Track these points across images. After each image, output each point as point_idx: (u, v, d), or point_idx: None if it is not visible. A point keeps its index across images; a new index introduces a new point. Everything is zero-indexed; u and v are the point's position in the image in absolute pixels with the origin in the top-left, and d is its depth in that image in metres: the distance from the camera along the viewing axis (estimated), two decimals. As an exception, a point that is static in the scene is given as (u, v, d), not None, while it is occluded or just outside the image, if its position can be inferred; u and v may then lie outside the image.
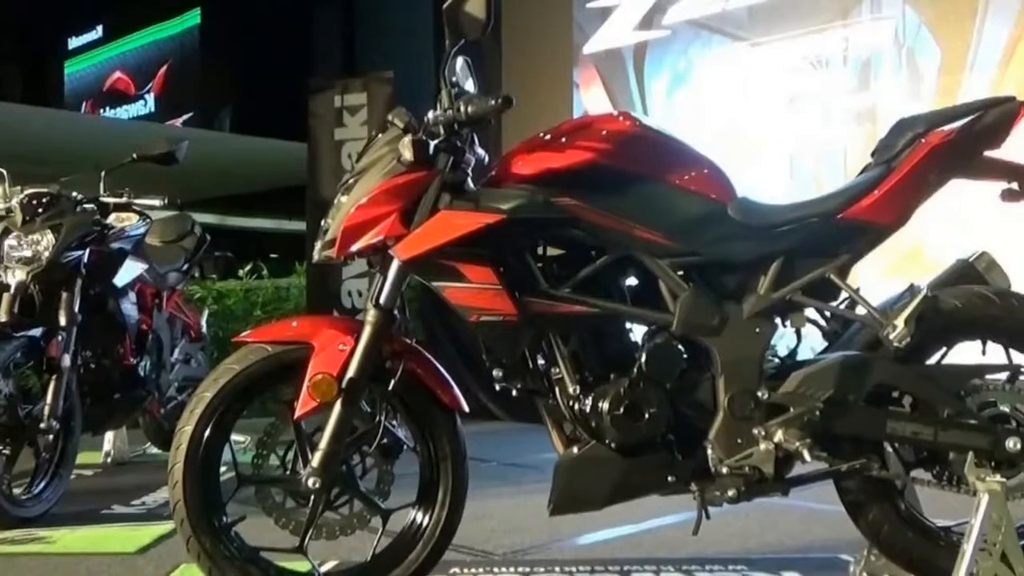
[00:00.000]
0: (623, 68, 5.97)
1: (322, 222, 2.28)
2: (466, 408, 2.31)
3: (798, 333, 2.32)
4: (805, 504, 3.06)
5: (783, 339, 2.31)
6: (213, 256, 5.41)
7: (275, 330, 2.35)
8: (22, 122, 11.84)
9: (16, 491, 3.34)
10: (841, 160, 4.97)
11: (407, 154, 2.16)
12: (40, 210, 3.54)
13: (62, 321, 3.50)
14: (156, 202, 3.89)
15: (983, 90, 4.50)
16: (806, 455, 2.17)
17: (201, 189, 13.97)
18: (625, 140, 2.23)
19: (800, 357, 2.32)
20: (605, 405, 2.17)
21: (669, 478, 2.23)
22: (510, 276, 2.17)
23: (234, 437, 2.30)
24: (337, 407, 2.18)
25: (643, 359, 2.20)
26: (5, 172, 3.69)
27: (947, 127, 2.27)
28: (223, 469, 2.27)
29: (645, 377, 2.19)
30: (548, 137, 2.24)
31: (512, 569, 2.68)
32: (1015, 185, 2.35)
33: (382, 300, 2.22)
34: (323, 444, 2.19)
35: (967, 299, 2.26)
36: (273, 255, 10.38)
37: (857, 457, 2.23)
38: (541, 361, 2.25)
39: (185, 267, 4.64)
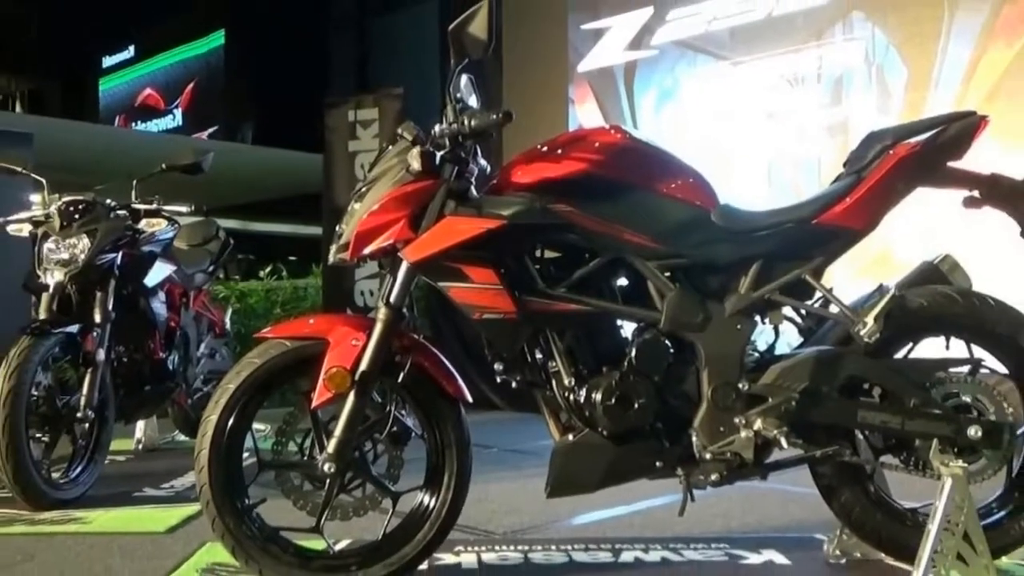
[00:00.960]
0: (615, 85, 5.96)
1: (337, 227, 2.28)
2: (470, 398, 2.30)
3: (776, 329, 2.32)
4: (783, 487, 3.06)
5: (762, 335, 2.31)
6: (236, 258, 5.42)
7: (293, 327, 2.35)
8: (61, 135, 11.83)
9: (55, 475, 3.35)
10: (816, 170, 4.97)
11: (415, 164, 2.16)
12: (77, 216, 3.54)
13: (97, 318, 3.50)
14: (184, 208, 3.89)
15: (946, 105, 4.49)
16: (783, 442, 2.18)
17: (225, 197, 13.95)
18: (616, 151, 2.23)
19: (778, 352, 2.32)
20: (598, 396, 2.18)
21: (657, 463, 2.23)
22: (510, 277, 2.17)
23: (256, 425, 2.29)
24: (351, 398, 2.18)
25: (633, 353, 2.20)
26: (44, 181, 3.69)
27: (913, 139, 2.27)
28: (245, 455, 2.27)
29: (635, 370, 2.19)
30: (545, 149, 2.24)
31: (512, 547, 2.68)
32: (976, 193, 2.35)
33: (392, 299, 2.22)
34: (338, 432, 2.19)
35: (932, 298, 2.26)
36: (292, 257, 10.35)
37: (830, 444, 2.23)
38: (539, 355, 2.25)
39: (210, 268, 4.64)
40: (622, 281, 2.29)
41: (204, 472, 2.21)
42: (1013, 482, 2.33)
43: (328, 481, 2.22)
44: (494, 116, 2.13)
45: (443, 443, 2.31)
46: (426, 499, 2.32)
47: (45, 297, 3.45)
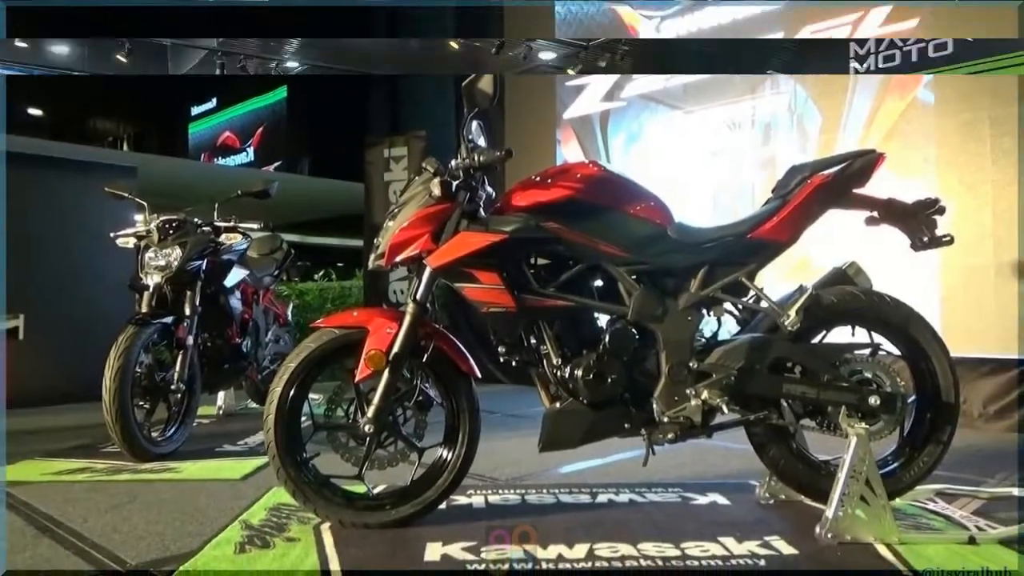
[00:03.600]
0: (592, 129, 5.96)
1: (375, 240, 2.28)
2: (479, 374, 2.30)
3: (718, 320, 2.32)
4: (724, 444, 3.04)
5: (708, 325, 2.31)
6: (296, 264, 5.40)
7: (341, 318, 2.34)
8: (158, 168, 11.82)
9: (154, 434, 3.35)
10: (750, 196, 4.96)
11: (436, 191, 2.16)
12: (171, 231, 3.55)
13: (187, 312, 3.51)
14: (255, 225, 3.89)
15: (852, 145, 4.49)
16: (725, 408, 2.18)
17: (287, 216, 13.96)
18: (594, 181, 2.23)
19: (720, 338, 2.32)
20: (579, 372, 2.18)
21: (626, 425, 2.24)
22: (510, 279, 2.17)
23: (311, 395, 2.29)
24: (386, 374, 2.18)
25: (607, 339, 2.20)
26: (146, 204, 3.69)
27: (827, 171, 2.27)
28: (303, 419, 2.27)
29: (608, 352, 2.20)
30: (538, 179, 2.24)
31: (512, 491, 2.67)
32: (876, 213, 2.36)
33: (418, 296, 2.22)
34: (376, 400, 2.20)
35: (841, 296, 2.26)
36: (339, 264, 10.36)
37: (761, 410, 2.24)
38: (533, 340, 2.25)
39: (276, 272, 4.64)
40: (598, 282, 2.29)
41: (271, 432, 2.21)
42: (904, 440, 2.33)
43: (368, 439, 2.22)
44: (498, 153, 2.13)
45: (458, 409, 2.31)
46: (445, 453, 2.32)
47: (146, 295, 3.46)
